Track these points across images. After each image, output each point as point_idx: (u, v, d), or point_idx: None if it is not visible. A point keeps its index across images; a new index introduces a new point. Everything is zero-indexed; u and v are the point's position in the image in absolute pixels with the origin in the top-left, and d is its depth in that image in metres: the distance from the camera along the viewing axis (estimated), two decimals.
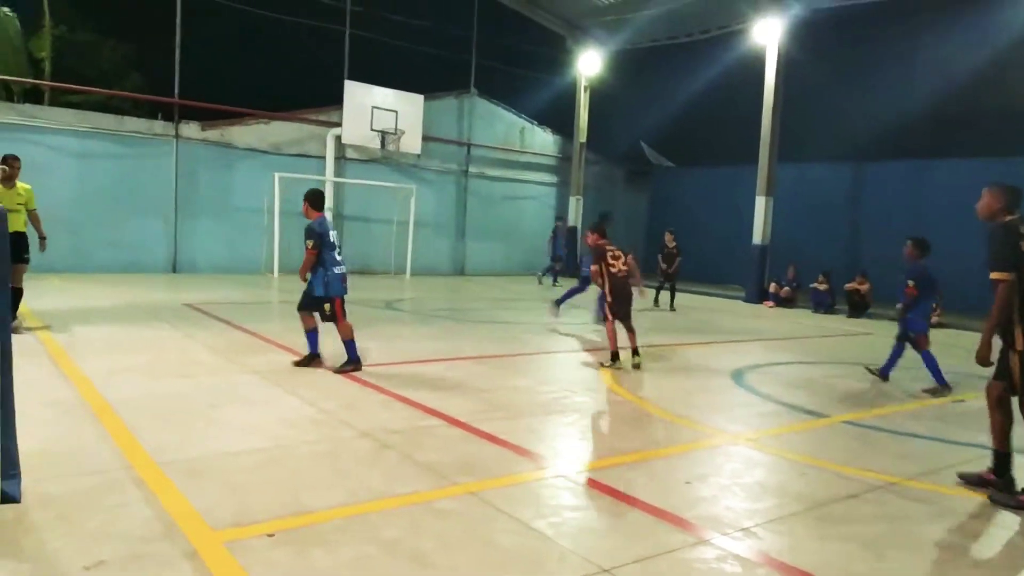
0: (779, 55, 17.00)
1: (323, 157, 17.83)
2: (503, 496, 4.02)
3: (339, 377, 6.72)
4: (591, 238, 8.25)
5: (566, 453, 5.06)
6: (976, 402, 7.32)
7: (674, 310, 14.30)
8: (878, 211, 18.02)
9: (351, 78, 17.79)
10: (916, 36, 17.80)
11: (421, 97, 18.29)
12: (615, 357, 7.97)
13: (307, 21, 18.25)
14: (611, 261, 8.01)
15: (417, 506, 3.81)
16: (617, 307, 8.05)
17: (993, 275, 4.54)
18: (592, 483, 4.36)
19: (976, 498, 4.43)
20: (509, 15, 21.48)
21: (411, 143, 18.19)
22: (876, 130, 17.91)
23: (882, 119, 17.83)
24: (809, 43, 17.37)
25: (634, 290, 8.23)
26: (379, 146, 17.82)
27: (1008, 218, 4.60)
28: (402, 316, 12.05)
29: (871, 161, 18.49)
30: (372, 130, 17.46)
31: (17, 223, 7.94)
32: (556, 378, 7.62)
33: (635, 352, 8.02)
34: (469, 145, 20.90)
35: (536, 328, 11.21)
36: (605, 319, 8.24)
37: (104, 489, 3.79)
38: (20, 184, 8.31)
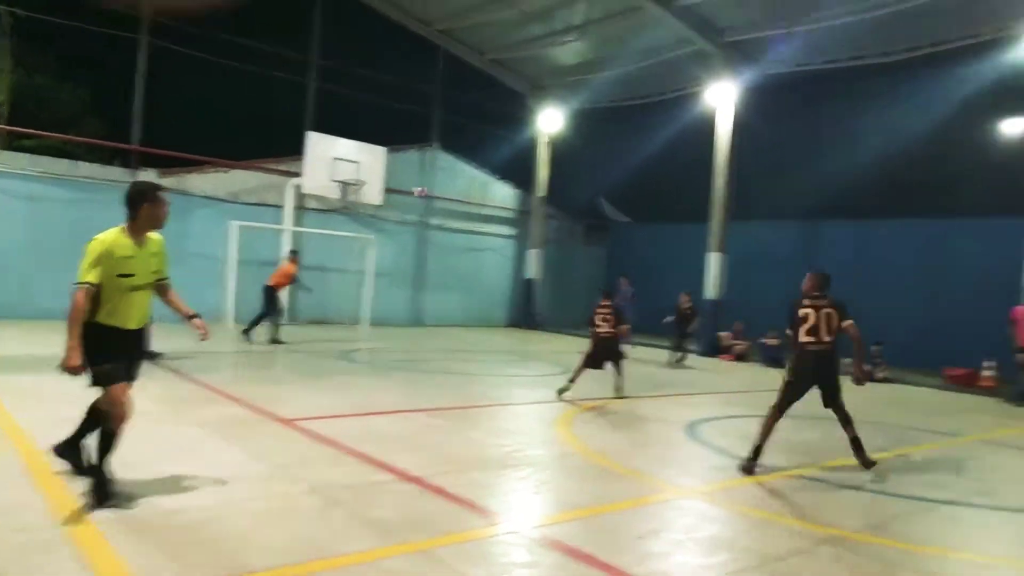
0: (732, 117, 17.64)
1: (282, 206, 17.76)
2: (454, 554, 3.95)
3: (289, 431, 6.59)
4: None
5: (519, 508, 5.01)
6: (919, 455, 7.48)
7: (684, 366, 14.58)
8: (826, 267, 18.54)
9: (314, 129, 17.88)
10: (862, 102, 18.65)
11: (384, 149, 18.45)
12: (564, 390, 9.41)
13: (273, 73, 18.40)
14: (598, 322, 9.73)
15: (365, 565, 3.72)
16: (592, 361, 9.64)
17: (788, 330, 6.59)
18: (544, 539, 4.32)
19: (924, 551, 4.49)
20: (473, 72, 21.97)
21: (372, 194, 18.27)
22: (824, 191, 18.56)
23: (830, 180, 18.49)
24: (761, 106, 18.07)
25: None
26: (339, 196, 17.84)
27: (810, 296, 6.59)
28: (357, 367, 11.91)
29: (819, 220, 19.11)
30: (333, 181, 17.49)
31: None
32: (511, 431, 7.58)
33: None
34: (429, 197, 21.06)
35: (493, 380, 11.17)
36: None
37: (33, 549, 3.63)
38: None
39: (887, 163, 17.40)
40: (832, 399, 6.43)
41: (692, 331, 15.07)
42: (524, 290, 22.92)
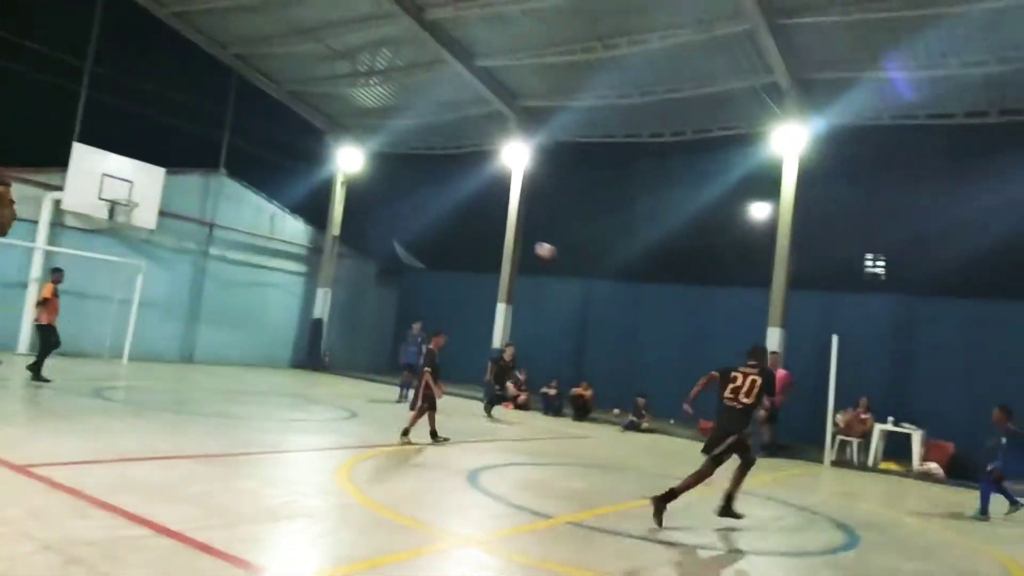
0: (524, 176, 18.59)
1: (36, 221, 15.77)
2: None
3: (21, 478, 5.72)
4: (436, 342, 10.34)
5: (292, 563, 4.72)
6: (677, 503, 8.13)
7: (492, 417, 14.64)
8: (601, 325, 19.94)
9: (83, 141, 16.18)
10: (637, 176, 20.49)
11: (162, 170, 17.11)
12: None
13: (39, 75, 16.40)
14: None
15: None
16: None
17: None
18: None
19: None
20: (269, 100, 21.20)
21: (145, 217, 16.80)
22: (603, 252, 20.03)
23: (608, 243, 20.02)
24: (552, 169, 19.25)
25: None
26: (107, 216, 16.21)
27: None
28: (112, 406, 10.71)
29: (596, 279, 20.54)
30: (101, 199, 15.88)
31: None
32: (287, 479, 7.18)
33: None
34: (212, 225, 19.79)
35: (270, 424, 10.56)
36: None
37: None
38: None
39: (659, 232, 19.18)
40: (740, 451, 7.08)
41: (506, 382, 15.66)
42: (311, 330, 22.12)
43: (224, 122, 20.30)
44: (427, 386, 10.00)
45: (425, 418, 10.03)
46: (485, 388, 15.83)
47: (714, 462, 6.91)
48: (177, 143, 19.25)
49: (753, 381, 6.94)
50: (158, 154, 17.20)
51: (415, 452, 9.42)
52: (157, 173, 17.09)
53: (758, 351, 7.46)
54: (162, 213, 17.50)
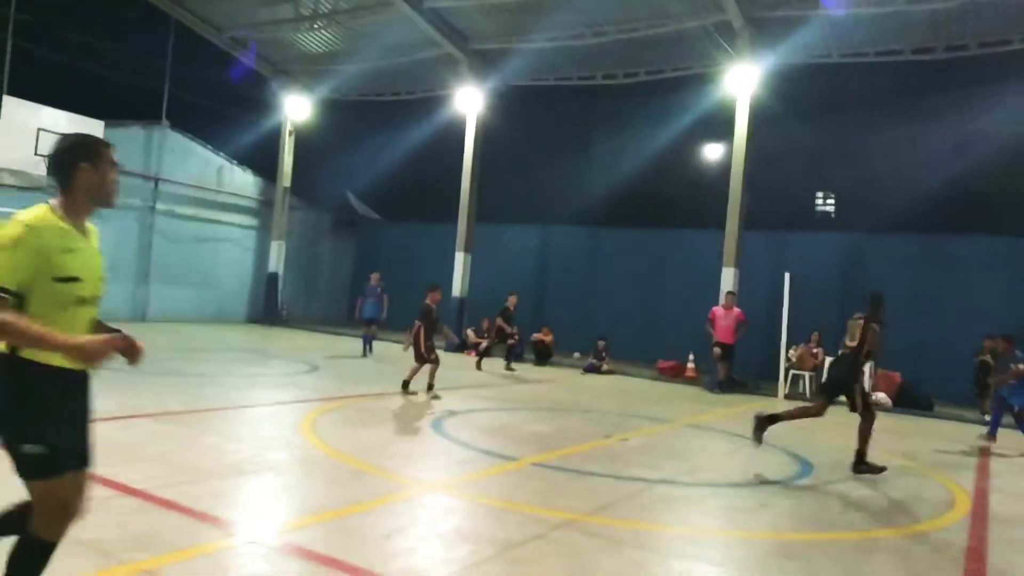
0: (479, 122, 18.31)
1: None
2: (184, 571, 3.63)
3: None
4: (432, 297, 10.43)
5: (259, 516, 4.73)
6: (638, 440, 8.34)
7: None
8: (560, 270, 20.03)
9: (12, 94, 15.39)
10: (593, 120, 20.39)
11: (101, 123, 16.37)
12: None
13: None
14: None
15: None
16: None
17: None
18: (287, 547, 4.12)
19: (638, 527, 5.00)
20: (210, 48, 20.36)
21: None
22: (561, 198, 20.02)
23: (566, 189, 19.99)
24: (507, 114, 18.99)
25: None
26: (45, 174, 15.53)
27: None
28: None
29: (555, 225, 20.54)
30: (37, 155, 15.19)
31: None
32: (250, 435, 7.14)
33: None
34: (157, 180, 19.16)
35: (230, 380, 10.45)
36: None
37: None
38: None
39: (615, 176, 19.20)
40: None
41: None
42: (266, 284, 21.77)
43: (164, 72, 19.46)
44: (427, 338, 10.20)
45: (427, 370, 10.28)
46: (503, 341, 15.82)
47: (825, 403, 7.51)
48: (116, 95, 18.45)
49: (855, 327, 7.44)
50: (96, 107, 16.43)
51: (379, 402, 9.44)
52: (96, 126, 16.33)
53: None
54: None
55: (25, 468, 2.58)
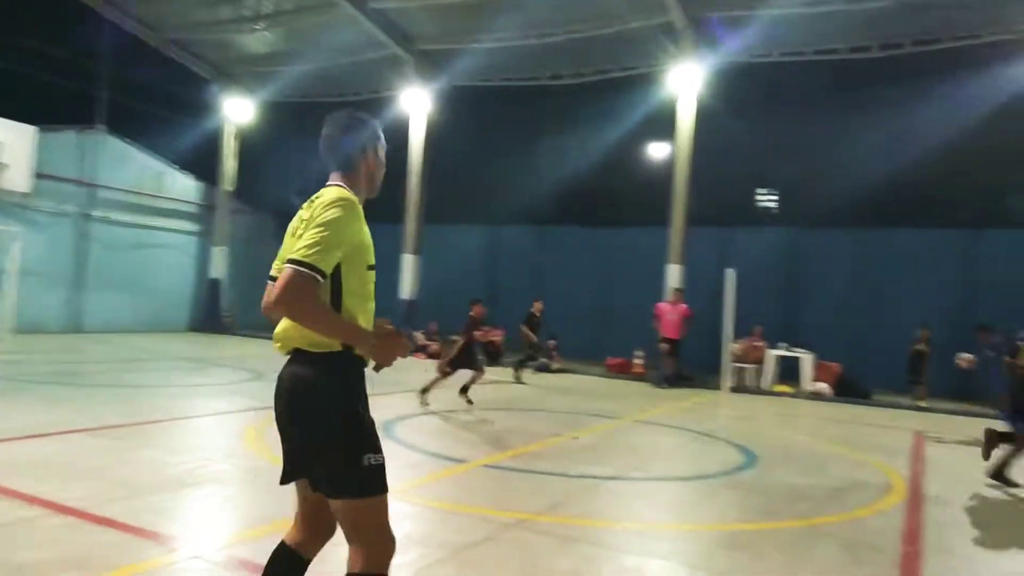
0: (426, 123, 18.21)
1: None
2: None
3: None
4: (477, 311, 10.63)
5: (202, 530, 4.60)
6: (588, 438, 8.40)
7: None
8: (509, 270, 20.04)
9: None
10: (540, 120, 20.40)
11: (33, 128, 15.80)
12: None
13: None
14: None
15: None
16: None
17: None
18: (231, 560, 4.02)
19: (589, 524, 5.02)
20: (148, 51, 19.79)
21: (17, 179, 15.55)
22: (509, 198, 19.99)
23: (514, 189, 19.97)
24: (453, 114, 18.91)
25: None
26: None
27: None
28: None
29: (503, 225, 20.54)
30: None
31: None
32: (192, 446, 6.96)
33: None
34: (93, 186, 18.54)
35: (170, 391, 10.17)
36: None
37: None
38: None
39: (562, 176, 19.28)
40: None
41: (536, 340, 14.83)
42: (208, 291, 21.27)
43: (100, 75, 18.84)
44: (464, 349, 10.36)
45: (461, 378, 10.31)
46: (524, 349, 14.90)
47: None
48: (49, 99, 17.78)
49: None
50: (28, 112, 15.83)
51: None
52: (28, 132, 15.77)
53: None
54: (37, 175, 16.23)
55: (366, 483, 2.36)
